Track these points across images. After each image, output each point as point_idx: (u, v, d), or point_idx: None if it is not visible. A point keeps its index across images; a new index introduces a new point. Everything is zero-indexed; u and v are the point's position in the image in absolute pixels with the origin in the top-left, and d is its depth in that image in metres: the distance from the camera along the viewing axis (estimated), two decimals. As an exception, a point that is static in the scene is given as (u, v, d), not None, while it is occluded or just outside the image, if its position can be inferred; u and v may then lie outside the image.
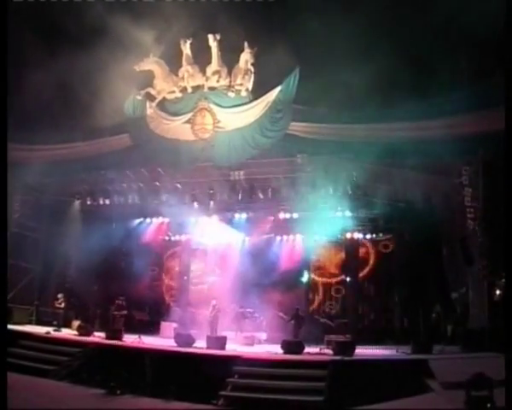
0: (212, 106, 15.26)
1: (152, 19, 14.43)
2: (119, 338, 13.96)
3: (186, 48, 15.20)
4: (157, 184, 17.09)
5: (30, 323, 17.58)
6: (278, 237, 19.52)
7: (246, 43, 14.37)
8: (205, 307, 16.69)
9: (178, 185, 17.03)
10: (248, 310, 17.13)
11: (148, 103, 15.85)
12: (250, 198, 16.36)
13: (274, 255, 19.04)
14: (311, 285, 19.44)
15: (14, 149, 13.53)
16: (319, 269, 19.63)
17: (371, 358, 12.07)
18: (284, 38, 13.57)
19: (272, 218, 18.44)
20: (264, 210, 17.47)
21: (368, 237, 18.59)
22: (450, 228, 15.20)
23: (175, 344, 13.37)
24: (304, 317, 15.59)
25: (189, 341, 13.35)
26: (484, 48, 13.03)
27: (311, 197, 15.37)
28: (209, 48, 14.80)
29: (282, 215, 18.19)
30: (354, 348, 12.12)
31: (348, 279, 18.82)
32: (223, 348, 13.05)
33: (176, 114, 15.71)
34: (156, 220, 19.83)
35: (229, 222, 18.81)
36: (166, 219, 19.69)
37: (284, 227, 18.79)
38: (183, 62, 15.39)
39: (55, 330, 15.44)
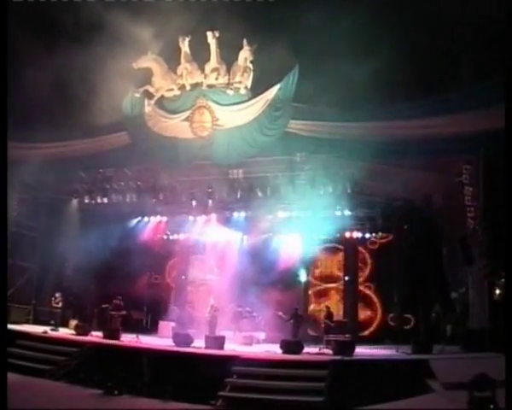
0: (211, 104, 15.13)
1: (150, 16, 14.32)
2: (117, 338, 13.92)
3: (184, 45, 15.07)
4: (155, 182, 16.99)
5: (27, 322, 17.54)
6: (277, 236, 19.41)
7: (245, 41, 14.24)
8: (203, 306, 16.64)
9: (177, 184, 16.94)
10: (247, 309, 17.03)
11: (146, 101, 15.76)
12: (249, 197, 16.22)
13: (273, 254, 18.89)
14: (310, 284, 19.39)
15: (11, 148, 13.38)
16: (318, 268, 19.59)
17: (371, 358, 12.03)
18: (283, 35, 13.48)
19: (271, 216, 18.35)
20: (262, 209, 17.36)
21: (367, 235, 18.50)
22: (450, 227, 15.15)
23: (173, 344, 13.32)
24: (303, 316, 15.52)
25: (188, 340, 13.29)
26: (484, 46, 12.98)
27: (310, 196, 15.28)
28: (208, 45, 14.68)
29: (281, 214, 18.16)
30: (354, 348, 12.08)
31: (347, 278, 18.81)
32: (221, 347, 13.01)
33: (174, 112, 15.59)
34: (154, 219, 19.80)
35: (228, 221, 18.72)
36: (164, 218, 19.68)
37: (283, 226, 18.70)
38: (182, 60, 15.27)
39: (52, 330, 15.37)
